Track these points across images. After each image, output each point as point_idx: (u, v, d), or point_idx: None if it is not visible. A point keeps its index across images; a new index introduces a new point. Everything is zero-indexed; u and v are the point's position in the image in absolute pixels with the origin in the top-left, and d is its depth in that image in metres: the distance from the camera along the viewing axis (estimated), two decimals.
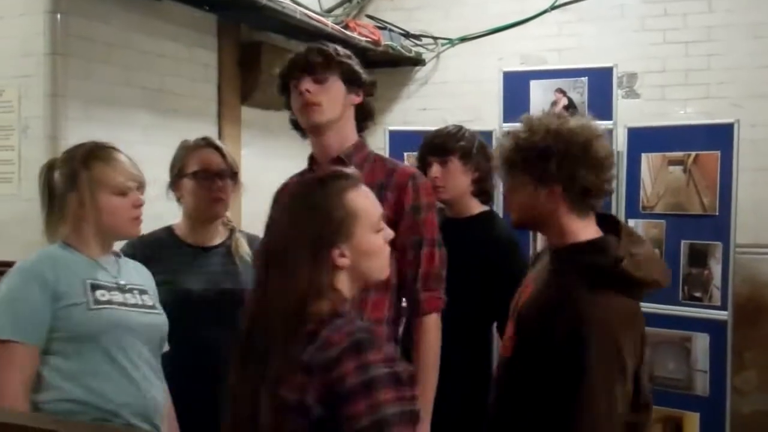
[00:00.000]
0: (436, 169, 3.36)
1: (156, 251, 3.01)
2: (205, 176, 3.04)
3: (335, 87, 2.65)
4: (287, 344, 1.81)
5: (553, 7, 6.02)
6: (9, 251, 3.61)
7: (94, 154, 2.54)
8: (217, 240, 3.13)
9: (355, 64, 2.73)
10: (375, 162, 2.71)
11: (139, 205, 2.57)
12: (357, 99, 2.71)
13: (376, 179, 2.59)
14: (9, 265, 3.57)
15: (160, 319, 2.62)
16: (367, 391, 1.72)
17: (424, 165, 3.38)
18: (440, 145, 3.39)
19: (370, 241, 1.97)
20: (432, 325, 2.68)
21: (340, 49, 2.73)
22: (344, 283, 1.94)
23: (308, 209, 1.93)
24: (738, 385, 5.05)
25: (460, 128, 3.50)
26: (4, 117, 3.67)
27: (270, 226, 2.37)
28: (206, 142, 3.16)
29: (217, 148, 3.13)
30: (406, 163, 3.17)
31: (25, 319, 2.35)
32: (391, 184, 2.61)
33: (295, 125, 2.80)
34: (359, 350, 1.76)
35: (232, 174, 3.12)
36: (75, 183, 2.50)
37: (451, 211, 3.47)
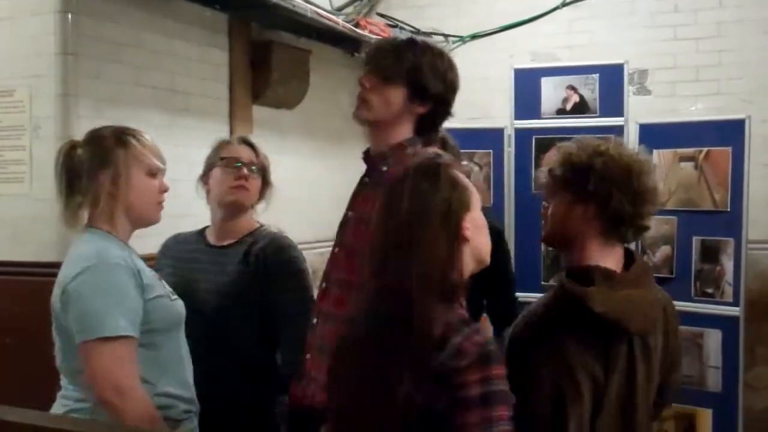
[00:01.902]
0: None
1: (183, 247, 3.12)
2: (232, 163, 3.05)
3: (395, 92, 2.50)
4: (420, 349, 1.80)
5: (563, 4, 6.03)
6: (21, 251, 3.65)
7: (128, 133, 2.47)
8: (235, 238, 3.09)
9: (432, 75, 2.51)
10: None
11: (164, 190, 2.53)
12: (421, 109, 2.53)
13: None
14: (21, 265, 3.62)
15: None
16: (484, 405, 1.74)
17: None
18: None
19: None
20: None
21: (429, 54, 2.56)
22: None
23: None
24: (750, 381, 5.04)
25: None
26: (16, 117, 3.68)
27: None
28: (241, 139, 3.20)
29: (251, 145, 3.15)
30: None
31: (134, 313, 2.30)
32: None
33: None
34: (486, 363, 1.77)
35: (261, 169, 3.12)
36: (109, 160, 2.40)
37: None
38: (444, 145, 3.42)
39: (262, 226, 3.17)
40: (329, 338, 2.40)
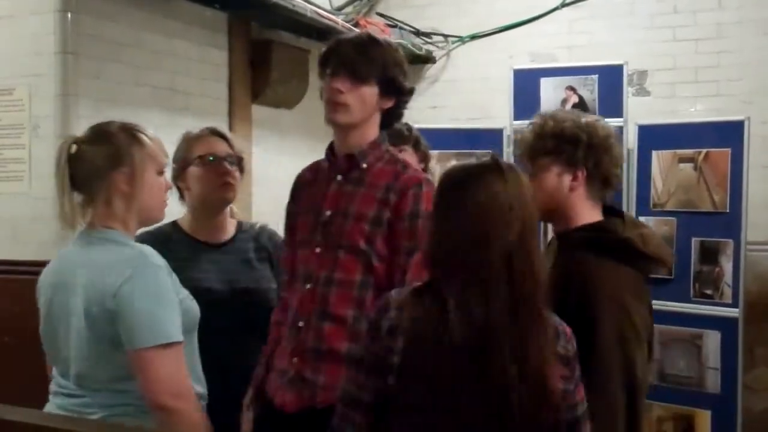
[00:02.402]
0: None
1: (167, 246, 2.83)
2: (213, 160, 2.96)
3: (369, 91, 2.55)
4: (542, 335, 1.90)
5: (563, 5, 6.03)
6: (20, 250, 3.65)
7: (137, 129, 2.39)
8: (228, 235, 3.08)
9: (397, 68, 2.61)
10: (388, 162, 2.62)
11: (168, 188, 2.49)
12: (389, 104, 2.62)
13: (384, 180, 2.55)
14: (20, 264, 3.61)
15: None
16: (581, 384, 1.98)
17: None
18: (393, 137, 3.40)
19: None
20: None
21: (390, 48, 2.63)
22: None
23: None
24: (749, 383, 5.04)
25: (404, 123, 3.54)
26: (15, 116, 3.68)
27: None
28: (210, 131, 3.08)
29: (222, 136, 3.06)
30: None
31: (178, 316, 2.27)
32: (395, 188, 2.53)
33: None
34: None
35: (239, 160, 3.04)
36: (123, 159, 2.32)
37: None
38: (416, 144, 3.49)
39: (241, 221, 3.17)
40: (332, 338, 2.46)
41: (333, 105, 2.55)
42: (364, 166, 2.57)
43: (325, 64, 2.60)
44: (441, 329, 1.84)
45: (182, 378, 2.24)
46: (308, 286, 2.53)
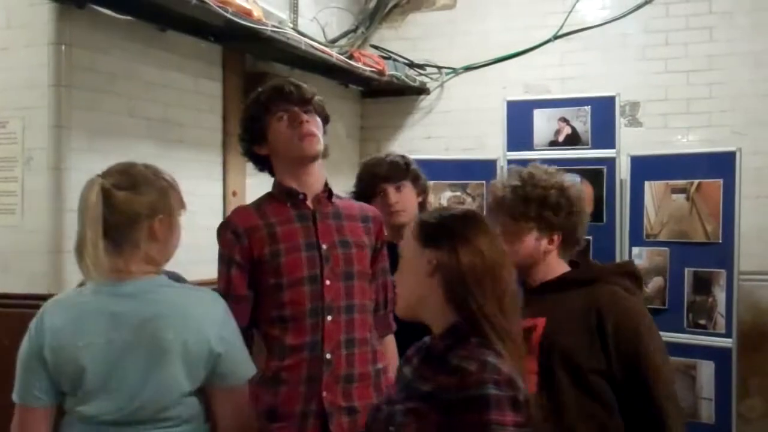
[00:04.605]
0: (394, 195, 3.42)
1: None
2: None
3: (317, 120, 2.73)
4: None
5: (556, 37, 6.06)
6: (11, 283, 3.63)
7: (166, 175, 2.35)
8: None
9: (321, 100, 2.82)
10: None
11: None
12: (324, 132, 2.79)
13: (354, 211, 2.78)
14: (11, 297, 3.59)
15: None
16: None
17: (372, 193, 3.42)
18: (393, 173, 3.45)
19: None
20: (393, 343, 2.93)
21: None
22: None
23: None
24: (743, 413, 5.03)
25: (402, 156, 3.60)
26: (8, 148, 3.68)
27: None
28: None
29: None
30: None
31: None
32: (369, 217, 2.80)
33: (255, 158, 2.85)
34: None
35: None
36: (165, 204, 2.29)
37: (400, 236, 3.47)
38: (416, 178, 3.50)
39: None
40: (362, 362, 2.63)
41: (306, 136, 2.65)
42: (335, 200, 2.74)
43: (271, 106, 2.71)
44: None
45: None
46: (330, 317, 2.58)
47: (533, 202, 2.57)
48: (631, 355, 2.39)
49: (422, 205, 3.57)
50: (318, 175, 2.70)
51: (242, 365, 2.31)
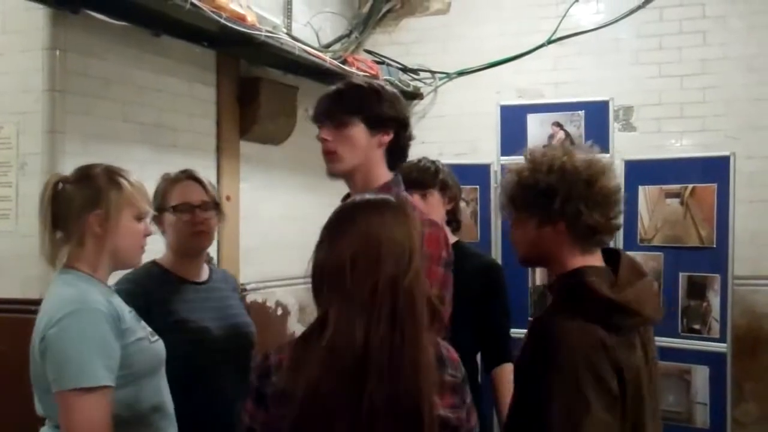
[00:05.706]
0: (418, 203, 3.37)
1: (155, 288, 2.90)
2: (186, 209, 2.95)
3: (355, 132, 2.54)
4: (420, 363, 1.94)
5: (549, 42, 6.08)
6: (6, 287, 3.62)
7: (120, 174, 2.42)
8: (205, 275, 3.08)
9: (379, 102, 2.57)
10: None
11: (147, 234, 2.50)
12: (386, 138, 2.57)
13: None
14: (6, 302, 3.59)
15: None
16: (473, 409, 2.05)
17: None
18: (421, 179, 3.43)
19: None
20: None
21: (371, 85, 2.63)
22: None
23: None
24: (738, 417, 5.04)
25: (433, 162, 3.56)
26: (2, 153, 3.66)
27: None
28: (186, 175, 3.05)
29: (198, 181, 3.04)
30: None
31: (113, 361, 2.23)
32: None
33: None
34: None
35: (215, 205, 3.03)
36: (100, 201, 2.35)
37: None
38: (444, 186, 3.46)
39: (211, 259, 3.26)
40: None
41: (324, 155, 2.58)
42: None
43: (314, 119, 2.63)
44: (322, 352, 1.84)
45: (103, 426, 2.18)
46: None
47: (526, 189, 2.27)
48: None
49: (452, 213, 3.57)
50: (356, 186, 2.61)
51: (60, 370, 2.19)
